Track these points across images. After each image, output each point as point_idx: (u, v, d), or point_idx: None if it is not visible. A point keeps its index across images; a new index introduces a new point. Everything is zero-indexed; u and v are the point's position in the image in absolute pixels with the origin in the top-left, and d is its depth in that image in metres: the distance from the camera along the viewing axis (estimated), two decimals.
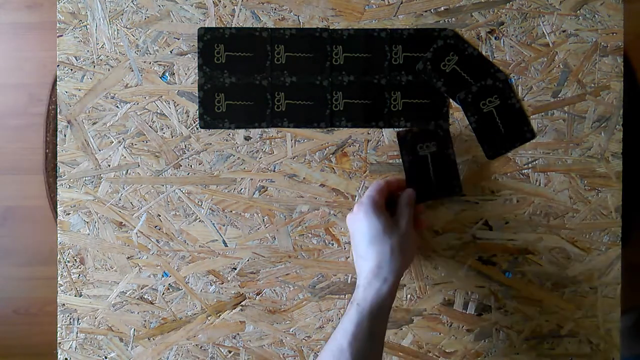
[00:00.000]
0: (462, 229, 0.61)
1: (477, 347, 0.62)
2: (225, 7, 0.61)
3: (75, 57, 0.61)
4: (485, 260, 0.61)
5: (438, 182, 0.60)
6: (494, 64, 0.61)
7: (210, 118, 0.61)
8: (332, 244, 0.62)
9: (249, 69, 0.61)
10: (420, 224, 0.58)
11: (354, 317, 0.50)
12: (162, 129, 0.62)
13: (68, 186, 0.62)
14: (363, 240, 0.53)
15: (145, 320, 0.62)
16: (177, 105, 0.62)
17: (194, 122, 0.61)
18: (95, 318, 0.62)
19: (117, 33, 0.61)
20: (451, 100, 0.61)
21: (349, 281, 0.62)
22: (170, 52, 0.61)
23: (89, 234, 0.62)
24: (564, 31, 0.61)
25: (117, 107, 0.62)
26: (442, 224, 0.61)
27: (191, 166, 0.62)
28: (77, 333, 0.62)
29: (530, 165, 0.61)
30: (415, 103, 0.61)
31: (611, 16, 0.60)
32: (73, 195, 0.62)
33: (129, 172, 0.62)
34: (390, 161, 0.61)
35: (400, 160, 0.61)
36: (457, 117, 0.61)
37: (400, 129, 0.61)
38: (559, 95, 0.61)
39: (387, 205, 0.55)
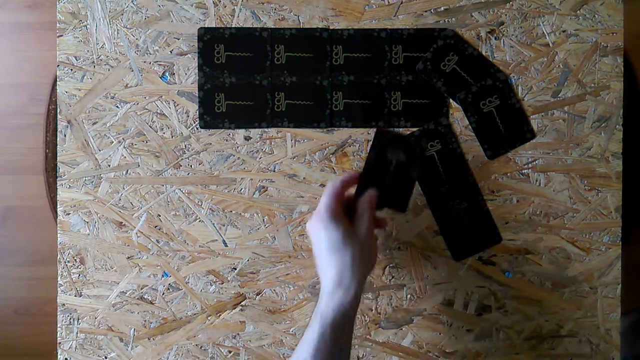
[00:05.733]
0: None
1: (477, 347, 0.62)
2: (225, 7, 0.61)
3: (75, 57, 0.61)
4: (485, 260, 0.61)
5: (449, 179, 0.60)
6: (494, 64, 0.61)
7: (210, 118, 0.61)
8: None
9: (249, 69, 0.61)
10: (380, 223, 0.56)
11: (316, 329, 0.49)
12: (162, 129, 0.62)
13: (68, 186, 0.62)
14: (323, 250, 0.51)
15: (145, 320, 0.62)
16: (177, 105, 0.62)
17: (194, 122, 0.61)
18: (95, 318, 0.62)
19: (117, 33, 0.61)
20: (451, 100, 0.61)
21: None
22: (170, 52, 0.61)
23: (89, 234, 0.62)
24: (564, 31, 0.61)
25: (117, 107, 0.62)
26: None
27: (191, 166, 0.62)
28: (77, 333, 0.62)
29: (530, 165, 0.61)
30: (415, 103, 0.61)
31: (611, 16, 0.60)
32: (73, 195, 0.62)
33: (129, 172, 0.62)
34: None
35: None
36: (457, 117, 0.61)
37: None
38: (559, 95, 0.61)
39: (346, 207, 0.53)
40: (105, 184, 0.62)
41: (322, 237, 0.51)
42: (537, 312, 0.62)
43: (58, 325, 0.62)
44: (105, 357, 0.62)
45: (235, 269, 0.62)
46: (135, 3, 0.61)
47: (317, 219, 0.51)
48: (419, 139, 0.60)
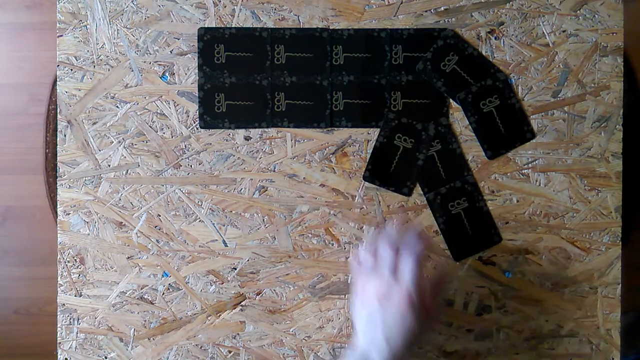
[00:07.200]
0: None
1: (477, 347, 0.62)
2: (225, 7, 0.61)
3: (75, 57, 0.61)
4: (485, 260, 0.61)
5: (449, 178, 0.60)
6: (494, 64, 0.61)
7: (210, 118, 0.61)
8: (332, 244, 0.62)
9: (249, 69, 0.61)
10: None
11: None
12: (162, 129, 0.62)
13: (68, 186, 0.62)
14: (405, 332, 0.51)
15: (145, 320, 0.62)
16: (177, 105, 0.62)
17: (194, 122, 0.61)
18: (95, 318, 0.62)
19: (117, 33, 0.61)
20: (451, 100, 0.61)
21: (349, 281, 0.62)
22: (170, 52, 0.61)
23: (89, 234, 0.62)
24: (564, 31, 0.61)
25: (117, 107, 0.62)
26: None
27: (191, 166, 0.62)
28: (77, 333, 0.62)
29: (530, 165, 0.61)
30: (415, 103, 0.61)
31: (611, 16, 0.60)
32: (73, 195, 0.62)
33: (129, 172, 0.62)
34: None
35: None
36: (457, 117, 0.61)
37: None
38: (559, 95, 0.61)
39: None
40: (105, 184, 0.62)
41: (408, 321, 0.50)
42: (537, 312, 0.62)
43: (58, 325, 0.62)
44: (105, 357, 0.62)
45: (235, 269, 0.62)
46: (135, 3, 0.61)
47: (409, 301, 0.50)
48: (438, 123, 0.60)
